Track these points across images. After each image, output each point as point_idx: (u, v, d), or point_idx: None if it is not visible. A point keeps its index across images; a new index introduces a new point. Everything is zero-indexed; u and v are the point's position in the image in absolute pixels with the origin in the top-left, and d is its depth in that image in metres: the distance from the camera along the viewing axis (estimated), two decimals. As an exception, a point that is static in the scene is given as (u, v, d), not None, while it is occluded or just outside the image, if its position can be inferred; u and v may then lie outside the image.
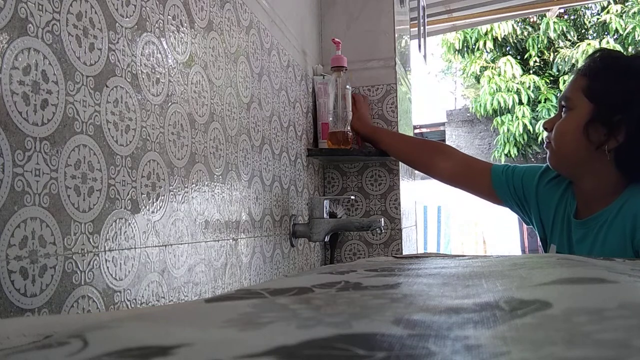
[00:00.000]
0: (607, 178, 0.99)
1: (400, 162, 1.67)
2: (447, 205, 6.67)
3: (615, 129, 0.95)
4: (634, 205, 0.94)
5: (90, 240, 0.64)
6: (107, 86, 0.68)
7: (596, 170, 1.00)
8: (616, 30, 8.16)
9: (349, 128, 1.51)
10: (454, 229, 6.68)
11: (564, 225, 1.09)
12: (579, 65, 1.08)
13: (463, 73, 9.86)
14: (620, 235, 0.94)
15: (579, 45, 8.15)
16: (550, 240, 1.14)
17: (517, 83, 8.49)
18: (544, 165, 1.15)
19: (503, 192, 1.19)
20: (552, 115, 1.13)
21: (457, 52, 9.12)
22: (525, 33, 8.95)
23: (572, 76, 1.06)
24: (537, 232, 1.18)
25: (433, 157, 1.32)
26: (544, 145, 1.09)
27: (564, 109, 1.04)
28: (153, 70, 0.79)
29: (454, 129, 9.50)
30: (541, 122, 8.01)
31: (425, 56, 2.39)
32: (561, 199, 1.10)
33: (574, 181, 1.07)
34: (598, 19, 8.63)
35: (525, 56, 8.80)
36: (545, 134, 1.09)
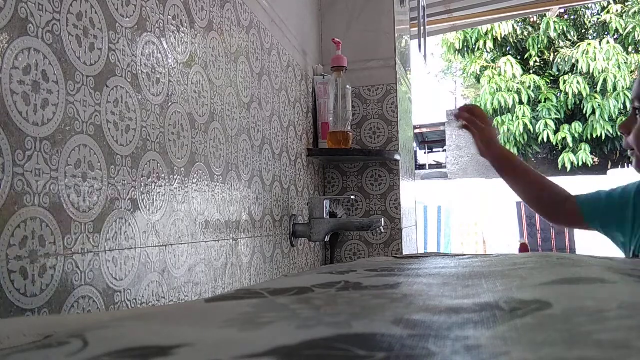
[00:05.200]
0: None
1: (400, 163, 1.67)
2: (447, 205, 6.67)
3: None
4: None
5: (91, 240, 0.64)
6: (107, 86, 0.68)
7: None
8: (616, 30, 8.16)
9: (349, 128, 1.51)
10: (454, 229, 6.68)
11: None
12: None
13: (463, 73, 9.86)
14: None
15: (579, 45, 8.16)
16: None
17: (518, 83, 8.49)
18: (634, 183, 1.09)
19: (598, 224, 1.12)
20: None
21: (457, 52, 9.12)
22: (526, 33, 8.96)
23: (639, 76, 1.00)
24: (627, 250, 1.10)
25: (560, 204, 1.20)
26: (629, 152, 1.02)
27: (637, 112, 0.98)
28: (153, 70, 0.79)
29: (454, 129, 9.50)
30: (541, 122, 8.01)
31: (425, 56, 2.39)
32: None
33: None
34: (598, 19, 8.63)
35: (526, 56, 8.81)
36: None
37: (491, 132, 1.22)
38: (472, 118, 1.20)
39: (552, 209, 1.21)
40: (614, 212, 1.08)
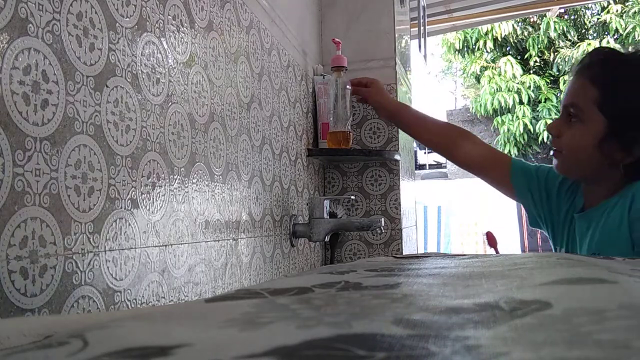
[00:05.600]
0: (615, 182, 0.99)
1: (400, 163, 1.67)
2: (447, 205, 6.67)
3: (631, 145, 0.95)
4: (633, 187, 0.95)
5: (91, 240, 0.64)
6: (107, 86, 0.68)
7: (606, 176, 1.00)
8: (616, 30, 8.16)
9: (349, 128, 1.50)
10: (454, 229, 6.68)
11: (567, 226, 1.09)
12: (579, 62, 1.04)
13: (463, 73, 9.86)
14: (618, 214, 0.95)
15: (579, 45, 8.15)
16: (555, 243, 1.14)
17: (518, 83, 8.49)
18: (549, 166, 1.14)
19: (521, 186, 1.18)
20: (554, 116, 1.11)
21: (457, 52, 9.12)
22: (526, 33, 8.96)
23: (574, 77, 1.02)
24: (546, 233, 1.18)
25: (457, 140, 1.29)
26: (552, 153, 1.06)
27: (572, 117, 1.00)
28: (153, 70, 0.79)
29: (454, 129, 9.49)
30: (541, 122, 8.01)
31: (425, 56, 2.39)
32: (572, 203, 1.10)
33: (583, 183, 1.07)
34: (598, 18, 8.63)
35: (526, 56, 8.81)
36: (545, 134, 1.09)
37: (377, 93, 1.38)
38: (356, 88, 1.39)
39: (452, 148, 1.30)
40: (536, 183, 1.16)
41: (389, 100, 1.41)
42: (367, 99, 1.39)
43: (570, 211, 1.09)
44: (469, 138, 1.30)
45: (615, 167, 0.98)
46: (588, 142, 0.97)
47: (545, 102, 8.32)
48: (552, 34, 8.46)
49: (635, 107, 0.95)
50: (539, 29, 8.64)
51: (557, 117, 1.04)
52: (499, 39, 8.84)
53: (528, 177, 1.16)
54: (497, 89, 8.50)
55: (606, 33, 8.43)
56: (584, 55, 1.05)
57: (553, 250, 1.17)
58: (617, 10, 8.15)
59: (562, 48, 8.56)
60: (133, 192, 0.73)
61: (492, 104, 8.45)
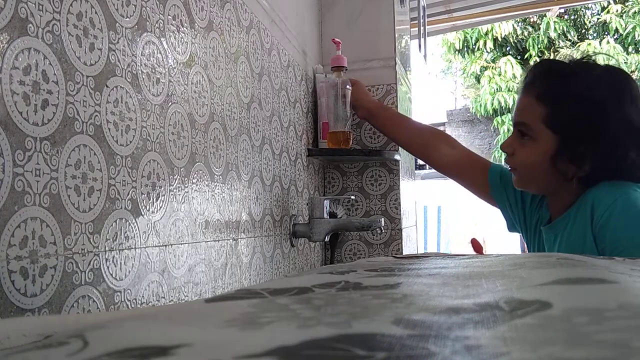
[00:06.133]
0: (574, 192, 1.00)
1: (400, 163, 1.67)
2: (447, 205, 6.67)
3: (582, 159, 0.95)
4: (591, 194, 0.95)
5: (91, 240, 0.64)
6: (107, 86, 0.68)
7: (563, 188, 1.01)
8: (616, 30, 8.16)
9: (349, 128, 1.50)
10: (454, 229, 6.67)
11: (537, 237, 1.10)
12: (524, 77, 1.03)
13: (463, 73, 9.86)
14: (582, 226, 0.95)
15: (579, 45, 8.15)
16: (529, 250, 1.16)
17: (518, 83, 8.49)
18: None
19: (498, 193, 1.19)
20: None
21: (457, 52, 9.12)
22: (526, 33, 8.96)
23: (521, 95, 1.02)
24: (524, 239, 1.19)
25: (435, 142, 1.29)
26: (509, 169, 1.08)
27: (523, 135, 1.01)
28: (153, 70, 0.79)
29: (454, 129, 9.49)
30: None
31: (425, 56, 2.39)
32: (540, 214, 1.11)
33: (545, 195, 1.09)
34: (598, 19, 8.63)
35: (526, 56, 8.81)
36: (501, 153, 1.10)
37: (357, 92, 1.41)
38: None
39: (430, 151, 1.31)
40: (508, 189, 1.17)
41: (368, 99, 1.42)
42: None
43: (539, 223, 1.10)
44: (447, 141, 1.30)
45: (569, 183, 0.98)
46: (540, 159, 0.98)
47: (545, 102, 8.31)
48: (552, 34, 8.46)
49: (582, 121, 0.94)
50: (539, 29, 8.64)
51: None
52: (499, 39, 8.84)
53: (505, 184, 1.16)
54: (497, 89, 8.50)
55: (606, 33, 8.43)
56: (527, 70, 1.05)
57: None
58: (617, 10, 8.15)
59: (562, 48, 8.55)
60: (133, 192, 0.73)
61: (492, 104, 8.45)
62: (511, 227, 1.21)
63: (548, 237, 1.05)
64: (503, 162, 1.10)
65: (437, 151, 1.29)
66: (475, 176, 1.22)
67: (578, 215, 0.97)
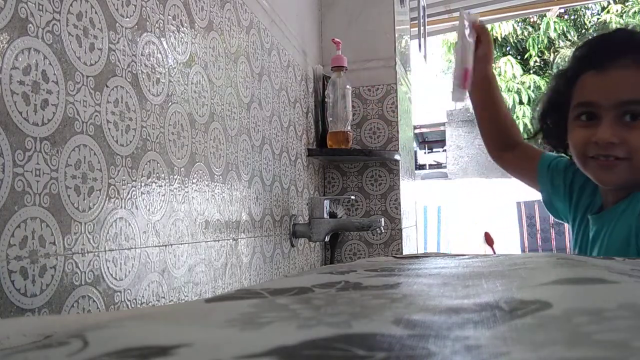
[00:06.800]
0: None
1: (400, 163, 1.67)
2: (447, 205, 6.67)
3: None
4: None
5: (91, 240, 0.64)
6: (107, 86, 0.68)
7: None
8: (616, 30, 8.15)
9: (349, 128, 1.51)
10: (454, 229, 6.68)
11: (582, 224, 1.03)
12: (622, 45, 0.86)
13: (463, 73, 9.85)
14: (627, 223, 0.88)
15: (580, 43, 8.15)
16: (573, 245, 1.08)
17: (518, 83, 8.50)
18: None
19: (546, 183, 1.13)
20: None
21: (457, 52, 9.12)
22: (526, 33, 8.96)
23: (619, 69, 0.85)
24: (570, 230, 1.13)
25: (514, 141, 1.24)
26: (606, 160, 0.87)
27: (635, 116, 0.84)
28: (153, 70, 0.79)
29: (454, 129, 9.49)
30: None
31: (425, 56, 2.39)
32: (592, 200, 1.02)
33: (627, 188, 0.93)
34: (598, 18, 8.64)
35: (526, 56, 8.81)
36: (586, 146, 0.90)
37: (488, 53, 1.24)
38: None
39: (502, 149, 1.23)
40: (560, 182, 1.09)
41: (484, 67, 1.26)
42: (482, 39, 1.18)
43: (589, 210, 1.02)
44: (520, 142, 1.24)
45: None
46: None
47: (545, 102, 8.31)
48: (552, 34, 8.46)
49: None
50: (539, 29, 8.65)
51: (585, 122, 0.89)
52: (499, 39, 8.85)
53: (554, 174, 1.10)
54: (497, 89, 8.50)
55: (606, 33, 8.42)
56: (615, 37, 0.89)
57: (542, 249, 1.13)
58: (617, 10, 8.15)
59: (562, 48, 8.56)
60: (133, 192, 0.73)
61: (492, 104, 8.44)
62: (557, 217, 1.14)
63: (593, 227, 0.98)
64: (577, 158, 0.94)
65: (505, 154, 1.24)
66: (527, 170, 1.19)
67: (627, 211, 0.89)
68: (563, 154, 1.08)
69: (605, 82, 0.86)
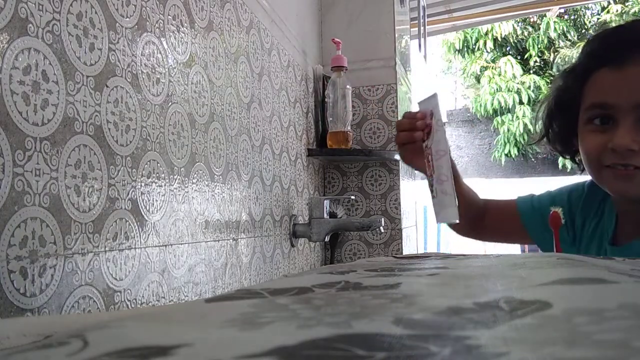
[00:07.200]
0: None
1: (400, 163, 1.67)
2: (447, 205, 6.65)
3: None
4: None
5: (91, 240, 0.64)
6: (107, 86, 0.68)
7: None
8: (616, 30, 8.15)
9: (349, 128, 1.51)
10: (454, 229, 6.66)
11: (594, 248, 0.89)
12: (605, 47, 0.77)
13: (463, 73, 9.86)
14: None
15: (579, 45, 8.15)
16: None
17: (518, 83, 8.50)
18: (570, 185, 0.94)
19: (535, 226, 0.97)
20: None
21: (457, 52, 9.12)
22: (526, 33, 8.96)
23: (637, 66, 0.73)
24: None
25: (478, 207, 1.03)
26: (625, 169, 0.74)
27: None
28: (153, 70, 0.79)
29: (454, 129, 9.49)
30: (541, 122, 8.00)
31: (425, 56, 2.39)
32: (600, 219, 0.89)
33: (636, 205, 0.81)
34: (598, 18, 8.64)
35: (526, 56, 8.81)
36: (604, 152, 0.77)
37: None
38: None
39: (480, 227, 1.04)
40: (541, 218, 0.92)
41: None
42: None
43: (599, 232, 0.88)
44: (484, 203, 1.04)
45: None
46: None
47: (545, 102, 8.31)
48: (552, 34, 8.46)
49: None
50: (539, 29, 8.65)
51: (599, 125, 0.77)
52: (499, 39, 8.85)
53: (543, 211, 0.92)
54: (497, 89, 8.50)
55: (606, 33, 8.42)
56: (631, 29, 0.77)
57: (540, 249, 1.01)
58: (617, 10, 8.15)
59: (562, 48, 8.56)
60: (133, 192, 0.73)
61: (492, 104, 8.45)
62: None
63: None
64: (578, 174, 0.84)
65: (483, 230, 1.04)
66: (509, 223, 1.01)
67: None
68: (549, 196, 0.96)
69: (622, 81, 0.74)
